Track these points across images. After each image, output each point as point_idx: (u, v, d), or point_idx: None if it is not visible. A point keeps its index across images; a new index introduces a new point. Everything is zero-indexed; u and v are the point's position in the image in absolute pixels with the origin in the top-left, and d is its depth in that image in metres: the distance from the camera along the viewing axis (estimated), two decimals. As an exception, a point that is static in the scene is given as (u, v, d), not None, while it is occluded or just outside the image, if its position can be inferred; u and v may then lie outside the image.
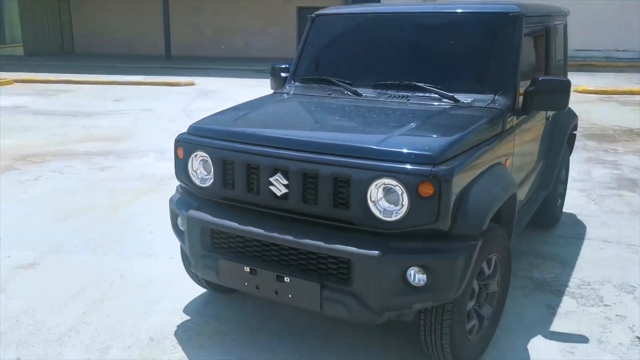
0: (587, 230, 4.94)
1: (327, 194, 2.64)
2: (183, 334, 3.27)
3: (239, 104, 3.62)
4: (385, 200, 2.56)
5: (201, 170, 3.05)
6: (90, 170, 6.72)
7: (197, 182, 3.06)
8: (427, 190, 2.46)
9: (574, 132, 5.16)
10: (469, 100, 3.26)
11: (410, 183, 2.47)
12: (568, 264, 4.24)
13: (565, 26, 4.86)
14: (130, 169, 6.73)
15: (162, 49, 21.90)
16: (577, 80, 15.49)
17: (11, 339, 3.19)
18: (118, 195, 5.73)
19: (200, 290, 3.71)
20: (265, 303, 3.58)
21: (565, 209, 5.40)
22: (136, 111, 10.96)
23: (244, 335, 3.26)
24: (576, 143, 8.31)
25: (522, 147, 3.52)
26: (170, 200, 3.26)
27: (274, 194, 2.76)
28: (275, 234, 2.74)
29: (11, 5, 24.26)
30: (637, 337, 3.27)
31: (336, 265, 2.64)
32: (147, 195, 5.72)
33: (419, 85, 3.39)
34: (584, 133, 9.17)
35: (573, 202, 5.66)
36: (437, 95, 3.33)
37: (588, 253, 4.44)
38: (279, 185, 2.74)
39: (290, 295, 2.74)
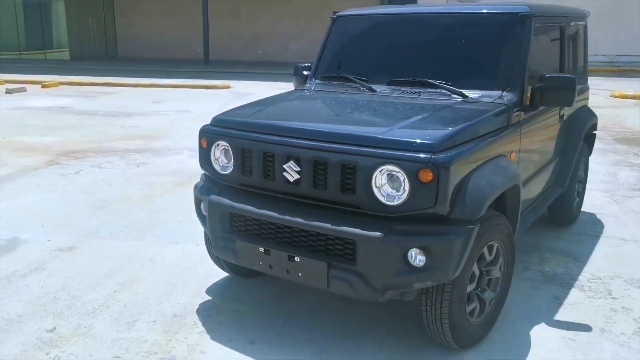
0: (605, 228, 4.99)
1: (336, 180, 2.84)
2: (204, 312, 3.51)
3: (261, 99, 3.85)
4: (389, 186, 2.74)
5: (222, 158, 3.29)
6: (127, 165, 7.07)
7: (219, 169, 3.30)
8: (426, 176, 2.64)
9: (594, 132, 5.23)
10: (477, 95, 3.42)
11: (411, 169, 2.65)
12: (580, 259, 4.32)
13: (585, 27, 4.95)
14: (164, 165, 7.06)
15: (201, 53, 22.45)
16: (617, 85, 15.32)
17: (49, 311, 3.49)
18: (151, 188, 6.04)
19: (222, 273, 3.94)
20: (281, 287, 3.80)
21: (585, 209, 5.47)
22: (173, 112, 11.36)
23: (259, 315, 3.48)
24: (606, 146, 8.42)
25: (530, 142, 3.65)
26: (195, 187, 3.51)
27: (287, 180, 2.98)
28: (288, 217, 2.95)
29: (58, 11, 25.24)
30: (640, 328, 3.36)
31: (342, 246, 2.84)
32: (178, 189, 6.02)
33: (429, 82, 3.56)
34: (615, 137, 9.13)
35: (595, 202, 5.71)
36: (446, 91, 3.49)
37: (602, 250, 4.51)
38: (291, 172, 2.95)
39: (300, 274, 2.95)
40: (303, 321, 3.41)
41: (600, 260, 4.30)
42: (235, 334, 3.27)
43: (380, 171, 2.73)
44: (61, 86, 15.68)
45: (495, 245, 3.11)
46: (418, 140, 2.72)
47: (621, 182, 6.48)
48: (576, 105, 4.73)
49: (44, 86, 15.26)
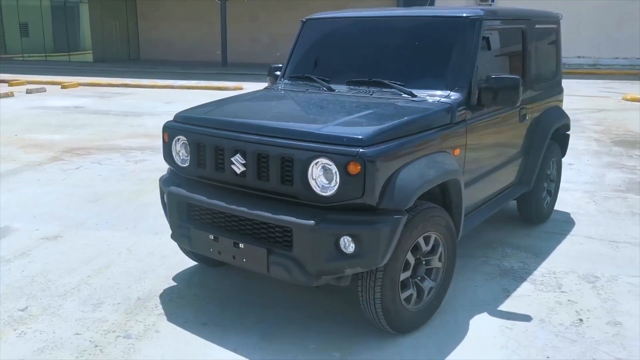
0: (575, 227, 5.09)
1: (276, 172, 3.04)
2: (166, 296, 3.74)
3: (226, 98, 4.09)
4: (323, 177, 2.93)
5: (182, 152, 3.52)
6: (126, 162, 7.38)
7: (179, 162, 3.54)
8: (354, 168, 2.83)
9: (567, 133, 5.33)
10: (425, 95, 3.59)
11: (341, 162, 2.85)
12: (541, 255, 4.45)
13: (556, 30, 5.06)
14: (162, 162, 7.29)
15: (220, 55, 22.85)
16: (635, 88, 15.16)
17: (24, 292, 3.76)
18: (144, 184, 6.31)
19: (192, 263, 4.17)
20: (243, 276, 4.01)
21: (562, 208, 5.57)
22: (182, 112, 11.67)
23: (217, 300, 3.70)
24: (602, 148, 8.45)
25: (480, 140, 3.80)
26: (160, 179, 3.75)
27: (235, 172, 3.19)
28: (234, 207, 3.17)
29: (83, 15, 25.96)
30: (580, 320, 3.48)
31: (281, 234, 3.04)
32: (170, 184, 6.27)
33: (383, 82, 3.75)
34: (614, 140, 9.14)
35: (573, 202, 5.81)
36: (397, 91, 3.67)
37: (565, 247, 4.62)
38: (238, 165, 3.17)
39: (244, 260, 3.16)
40: (257, 307, 3.62)
41: (560, 257, 4.42)
42: (191, 316, 3.49)
43: (315, 164, 2.93)
44: (80, 87, 16.18)
45: (433, 236, 3.28)
46: (348, 135, 2.92)
47: (606, 184, 6.54)
48: (546, 106, 4.86)
49: (63, 87, 15.78)
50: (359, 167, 2.82)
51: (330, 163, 2.88)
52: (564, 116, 5.11)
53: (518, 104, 3.65)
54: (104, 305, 3.61)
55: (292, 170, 2.99)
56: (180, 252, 4.14)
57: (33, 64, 24.00)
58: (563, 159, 7.63)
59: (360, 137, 2.90)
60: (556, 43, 5.10)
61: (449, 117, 3.44)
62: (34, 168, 6.99)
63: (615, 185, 6.48)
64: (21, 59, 26.23)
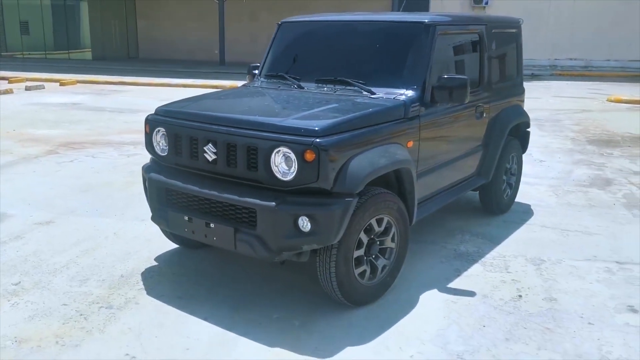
0: (533, 217, 5.47)
1: (243, 160, 3.41)
2: (147, 274, 4.12)
3: (205, 94, 4.46)
4: (284, 164, 3.30)
5: (162, 142, 3.89)
6: (119, 156, 7.75)
7: (159, 152, 3.91)
8: (310, 156, 3.20)
9: (527, 130, 5.70)
10: (383, 93, 3.96)
11: (298, 150, 3.22)
12: (495, 241, 4.82)
13: (516, 34, 5.43)
14: (152, 156, 7.70)
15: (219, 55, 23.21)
16: (622, 90, 15.51)
17: (18, 269, 4.14)
18: (135, 176, 6.67)
19: (172, 245, 4.54)
20: (220, 257, 4.38)
21: (525, 200, 5.94)
22: (176, 109, 12.03)
23: (194, 278, 4.08)
24: (576, 147, 8.83)
25: (434, 134, 4.17)
26: (142, 167, 4.13)
27: (207, 160, 3.57)
28: (206, 191, 3.55)
29: (82, 13, 26.34)
30: (519, 296, 3.86)
31: (247, 214, 3.42)
32: (158, 176, 6.65)
33: (346, 81, 4.12)
34: (590, 139, 9.49)
35: (537, 195, 6.17)
36: (358, 89, 4.04)
37: (520, 234, 5.00)
38: (210, 153, 3.54)
39: (215, 238, 3.54)
40: (229, 283, 4.00)
41: (513, 243, 4.79)
42: (168, 291, 3.86)
43: (277, 152, 3.30)
44: (78, 84, 16.55)
45: (386, 218, 3.65)
46: (306, 127, 3.29)
47: (572, 179, 6.90)
48: (505, 105, 5.23)
49: (61, 84, 16.15)
50: (314, 155, 3.19)
51: (290, 151, 3.25)
52: (523, 114, 5.48)
53: (467, 101, 4.01)
54: (89, 281, 3.98)
55: (257, 158, 3.36)
56: (164, 236, 4.51)
57: (33, 61, 24.36)
58: (536, 156, 8.09)
59: (316, 128, 3.27)
60: (517, 47, 5.47)
61: (402, 112, 3.81)
62: (30, 160, 7.37)
63: (580, 180, 6.84)
64: (21, 56, 26.59)
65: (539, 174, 7.07)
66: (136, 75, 18.38)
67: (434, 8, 21.85)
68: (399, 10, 20.60)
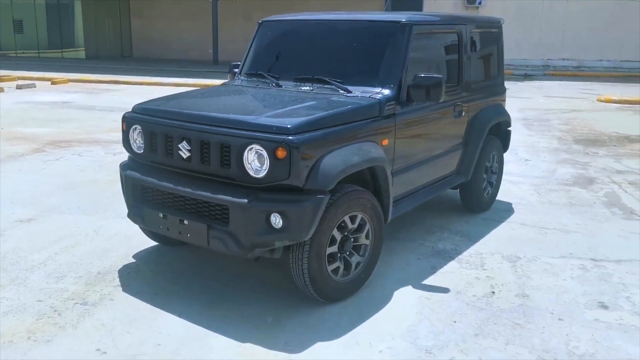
0: (513, 215, 5.50)
1: (216, 157, 3.44)
2: (124, 271, 4.14)
3: (183, 92, 4.49)
4: (257, 161, 3.33)
5: (139, 139, 3.91)
6: (105, 154, 7.76)
7: (135, 149, 3.93)
8: (281, 153, 3.23)
9: (508, 129, 5.74)
10: (359, 91, 3.99)
11: (270, 148, 3.25)
12: (474, 239, 4.85)
13: (497, 34, 5.47)
14: (139, 155, 7.71)
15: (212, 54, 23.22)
16: (614, 90, 15.58)
17: (-4, 266, 4.16)
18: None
19: (151, 243, 4.57)
20: (198, 255, 4.40)
21: (506, 198, 5.98)
22: (166, 108, 12.05)
23: (170, 275, 4.10)
24: (562, 146, 8.87)
25: (410, 132, 4.20)
26: (120, 165, 4.15)
27: (182, 157, 3.59)
28: (180, 188, 3.57)
29: (76, 12, 26.30)
30: (492, 292, 3.89)
31: (220, 211, 3.44)
32: (143, 174, 6.67)
33: (323, 79, 4.15)
34: (577, 138, 9.54)
35: (519, 194, 6.21)
36: (335, 87, 4.07)
37: (498, 232, 5.03)
38: (185, 150, 3.57)
39: (188, 235, 3.56)
40: (205, 280, 4.02)
41: (491, 240, 4.83)
42: (144, 288, 3.89)
43: (249, 149, 3.33)
44: (70, 83, 16.54)
45: (359, 215, 3.68)
46: (278, 125, 3.32)
47: (555, 178, 6.95)
48: (485, 104, 5.26)
49: (53, 83, 16.14)
50: (286, 153, 3.22)
51: (262, 149, 3.28)
52: (503, 114, 5.52)
53: (442, 100, 4.03)
54: (66, 278, 4.00)
55: (230, 155, 3.39)
56: (142, 234, 4.53)
57: (26, 60, 24.31)
58: (521, 156, 8.13)
59: (288, 126, 3.30)
60: (497, 46, 5.50)
61: (377, 110, 3.84)
62: (16, 159, 7.37)
63: (564, 179, 6.89)
64: (15, 55, 26.54)
65: (523, 173, 7.11)
66: (129, 75, 18.38)
67: (427, 8, 21.92)
68: (385, 11, 20.65)
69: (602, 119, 11.52)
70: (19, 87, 14.85)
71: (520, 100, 14.00)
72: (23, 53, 26.70)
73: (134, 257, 4.39)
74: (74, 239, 4.71)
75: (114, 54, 26.74)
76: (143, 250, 4.50)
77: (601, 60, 22.23)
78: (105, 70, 19.78)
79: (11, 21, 26.84)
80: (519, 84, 17.87)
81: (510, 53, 21.58)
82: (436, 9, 21.69)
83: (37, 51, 26.61)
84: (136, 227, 4.77)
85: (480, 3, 22.08)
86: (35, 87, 15.26)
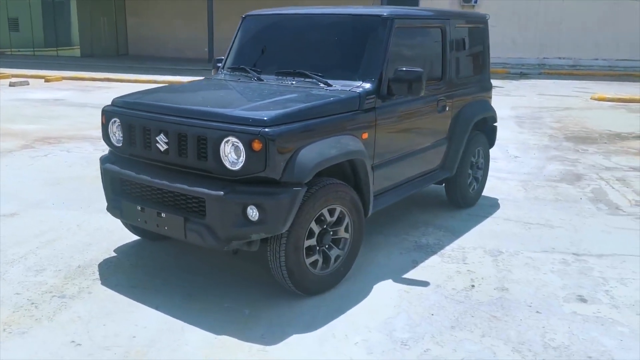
0: (498, 210, 5.50)
1: (193, 149, 3.43)
2: (105, 264, 4.13)
3: (163, 86, 4.47)
4: (233, 154, 3.32)
5: (118, 133, 3.90)
6: (94, 150, 7.74)
7: (114, 142, 3.92)
8: (257, 146, 3.22)
9: (494, 125, 5.74)
10: (340, 85, 3.98)
11: (246, 140, 3.24)
12: (457, 233, 4.85)
13: (482, 30, 5.46)
14: (128, 151, 7.70)
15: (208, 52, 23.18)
16: (604, 88, 15.58)
17: (-24, 260, 4.15)
18: (107, 170, 6.68)
19: (133, 237, 4.56)
20: (180, 249, 4.40)
21: (493, 194, 5.98)
22: (158, 106, 12.04)
23: (150, 268, 4.09)
24: (552, 143, 8.87)
25: (391, 126, 4.20)
26: (99, 158, 4.14)
27: (160, 150, 3.58)
28: (157, 180, 3.56)
29: (71, 11, 26.26)
30: (472, 286, 3.89)
31: (196, 204, 3.44)
32: (130, 170, 6.66)
33: (304, 73, 4.14)
34: (568, 136, 9.54)
35: (506, 190, 6.20)
36: (315, 81, 4.06)
37: (482, 227, 5.03)
38: (162, 143, 3.56)
39: (166, 228, 3.55)
40: (184, 273, 4.01)
41: (474, 235, 4.82)
42: (123, 281, 3.88)
43: (226, 141, 3.32)
44: (63, 81, 16.52)
45: (338, 208, 3.67)
46: (254, 117, 3.31)
47: (543, 174, 6.94)
48: (470, 99, 5.25)
49: (46, 80, 16.11)
50: (261, 145, 3.21)
51: (238, 141, 3.27)
52: (489, 109, 5.51)
53: (422, 94, 4.02)
54: (45, 272, 3.99)
55: (207, 147, 3.38)
56: (124, 229, 4.51)
57: (21, 58, 24.26)
58: (511, 152, 8.13)
59: (264, 118, 3.29)
60: (483, 42, 5.49)
61: (356, 104, 3.83)
62: (4, 155, 7.35)
63: (552, 176, 6.88)
64: (10, 53, 26.49)
65: (512, 170, 7.11)
66: (123, 72, 18.35)
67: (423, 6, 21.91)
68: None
69: (595, 116, 11.52)
70: (11, 85, 14.82)
71: (514, 98, 14.01)
72: (18, 51, 26.65)
73: (115, 251, 4.38)
74: (56, 233, 4.70)
75: (110, 52, 26.70)
76: (125, 244, 4.49)
77: (597, 59, 22.23)
78: (100, 68, 19.74)
79: (6, 19, 26.79)
80: (514, 82, 17.88)
81: (506, 51, 21.73)
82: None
83: (32, 49, 26.57)
84: (119, 221, 4.78)
85: (476, 2, 22.08)
86: (28, 84, 15.24)
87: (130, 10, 27.42)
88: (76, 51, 25.87)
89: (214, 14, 22.56)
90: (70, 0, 26.40)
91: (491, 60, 5.68)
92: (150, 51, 26.79)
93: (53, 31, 26.52)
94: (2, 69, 18.28)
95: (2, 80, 15.86)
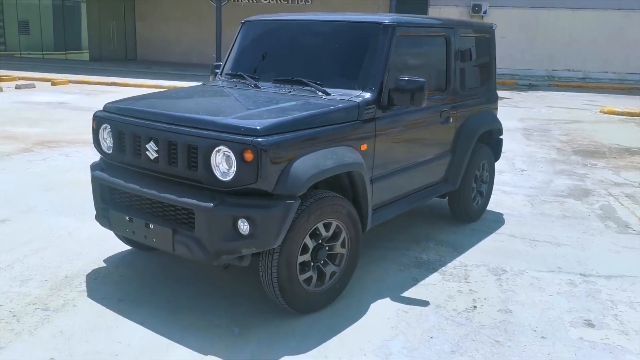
0: (503, 226, 5.32)
1: (183, 158, 3.29)
2: (92, 275, 3.98)
3: (161, 91, 4.34)
4: (225, 164, 3.18)
5: (108, 139, 3.77)
6: (93, 155, 7.50)
7: (105, 149, 3.79)
8: (249, 156, 3.07)
9: (500, 137, 5.57)
10: (339, 94, 3.83)
11: (237, 150, 3.09)
12: (460, 250, 4.67)
13: (489, 40, 5.31)
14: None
15: (216, 58, 23.12)
16: (613, 102, 15.34)
17: (-40, 268, 4.01)
18: (104, 176, 6.56)
19: (125, 247, 4.41)
20: (172, 260, 4.25)
21: (498, 209, 5.81)
22: (162, 111, 11.94)
23: (141, 280, 3.94)
24: (560, 157, 8.68)
25: (391, 137, 4.04)
26: (90, 165, 4.00)
27: (149, 158, 3.44)
28: (145, 190, 3.42)
29: (81, 15, 26.33)
30: (474, 307, 3.71)
31: (186, 215, 3.29)
32: (128, 176, 6.53)
33: (302, 81, 3.99)
34: (576, 149, 9.35)
35: (511, 204, 6.03)
36: (314, 89, 3.92)
37: (486, 244, 4.85)
38: (152, 151, 3.42)
39: (154, 239, 3.41)
40: (173, 287, 3.86)
41: (477, 252, 4.65)
42: (110, 294, 3.73)
43: (217, 151, 3.17)
44: (70, 84, 16.48)
45: (334, 223, 3.51)
46: (246, 126, 3.16)
47: (550, 189, 6.76)
48: (475, 111, 5.09)
49: (53, 83, 16.07)
50: (253, 155, 3.06)
51: (229, 150, 3.13)
52: (494, 121, 5.35)
53: (424, 104, 3.87)
54: (31, 282, 3.85)
55: (197, 157, 3.23)
56: (116, 238, 4.37)
57: (29, 61, 24.30)
58: (518, 166, 7.95)
59: (257, 127, 3.15)
60: (489, 53, 5.34)
61: (355, 114, 3.68)
62: (2, 158, 7.25)
63: (559, 190, 6.70)
64: (19, 56, 26.55)
65: (518, 183, 6.93)
66: (129, 77, 18.30)
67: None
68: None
69: (604, 130, 11.33)
70: (17, 87, 14.78)
71: (522, 109, 13.83)
72: (28, 54, 26.73)
73: (105, 261, 4.24)
74: (45, 240, 4.57)
75: (118, 57, 26.73)
76: (115, 254, 4.35)
77: (606, 72, 22.01)
78: (107, 72, 19.73)
79: (16, 22, 26.88)
80: (522, 93, 17.70)
81: (515, 63, 21.56)
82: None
83: (41, 52, 26.64)
84: (111, 231, 4.63)
85: (485, 12, 21.94)
86: (34, 87, 15.19)
87: (140, 15, 27.48)
88: (85, 55, 25.91)
89: (222, 20, 22.53)
90: (80, 4, 26.51)
91: (499, 71, 5.54)
92: (158, 56, 26.80)
93: (62, 35, 26.59)
94: (9, 71, 18.27)
95: (9, 82, 15.82)
